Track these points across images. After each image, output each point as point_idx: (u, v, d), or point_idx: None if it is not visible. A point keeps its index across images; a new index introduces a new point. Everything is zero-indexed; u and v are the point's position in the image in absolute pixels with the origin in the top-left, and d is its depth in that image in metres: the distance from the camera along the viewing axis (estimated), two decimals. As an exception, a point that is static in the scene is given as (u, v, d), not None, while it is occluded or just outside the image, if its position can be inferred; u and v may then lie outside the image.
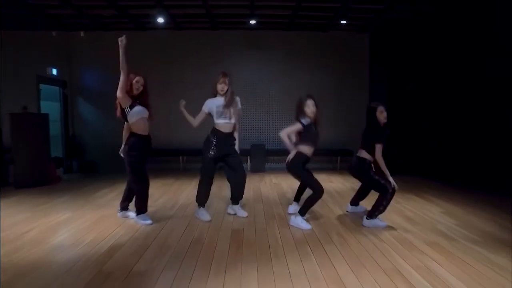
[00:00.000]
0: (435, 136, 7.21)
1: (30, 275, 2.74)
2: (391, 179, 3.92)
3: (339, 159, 8.42)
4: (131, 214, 4.21)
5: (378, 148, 3.96)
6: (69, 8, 6.68)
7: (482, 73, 5.91)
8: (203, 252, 3.17)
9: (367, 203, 4.39)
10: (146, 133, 4.00)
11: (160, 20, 7.31)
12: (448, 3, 6.27)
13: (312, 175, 4.07)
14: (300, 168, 4.01)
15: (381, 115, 4.03)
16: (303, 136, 4.00)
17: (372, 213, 3.92)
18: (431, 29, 7.19)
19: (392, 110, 7.66)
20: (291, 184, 6.23)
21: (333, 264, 2.93)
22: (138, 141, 3.90)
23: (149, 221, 3.99)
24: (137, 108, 3.89)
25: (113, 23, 7.91)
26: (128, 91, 3.88)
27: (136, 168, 3.92)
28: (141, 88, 3.97)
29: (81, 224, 4.02)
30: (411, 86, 7.59)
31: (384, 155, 4.06)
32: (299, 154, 3.95)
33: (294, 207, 4.45)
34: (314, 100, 3.99)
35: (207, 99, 4.24)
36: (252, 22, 7.60)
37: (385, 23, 7.64)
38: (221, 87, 4.08)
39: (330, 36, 8.51)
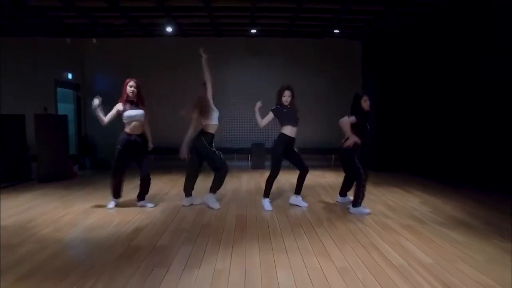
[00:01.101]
0: (422, 136, 7.82)
1: (74, 249, 3.36)
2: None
3: (333, 157, 9.04)
4: (149, 204, 4.82)
5: (347, 121, 4.65)
6: (85, 18, 7.28)
7: (467, 75, 6.46)
8: (212, 233, 3.79)
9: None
10: (134, 133, 4.59)
11: (169, 29, 7.91)
12: (436, 10, 6.85)
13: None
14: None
15: (365, 103, 4.64)
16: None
17: (356, 202, 4.55)
18: (421, 35, 7.80)
19: (382, 112, 8.38)
20: (288, 178, 6.84)
21: (321, 241, 3.55)
22: (124, 138, 4.58)
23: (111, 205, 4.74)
24: (128, 112, 4.53)
25: (123, 30, 8.51)
26: (124, 96, 4.51)
27: (116, 159, 4.61)
28: (135, 91, 4.52)
29: (105, 211, 4.64)
30: (401, 89, 8.20)
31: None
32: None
33: (295, 199, 5.00)
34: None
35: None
36: (253, 31, 8.22)
37: (376, 30, 8.26)
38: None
39: (325, 43, 9.13)
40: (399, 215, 4.47)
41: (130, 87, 4.53)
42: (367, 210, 4.56)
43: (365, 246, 3.41)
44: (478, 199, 5.26)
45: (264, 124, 4.77)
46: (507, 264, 2.95)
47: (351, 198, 4.93)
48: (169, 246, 3.38)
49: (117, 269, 2.87)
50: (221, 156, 4.85)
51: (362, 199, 4.56)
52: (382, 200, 5.33)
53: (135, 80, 4.60)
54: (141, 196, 4.89)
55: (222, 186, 4.97)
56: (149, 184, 4.85)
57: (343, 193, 5.19)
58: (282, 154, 4.74)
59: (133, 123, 4.55)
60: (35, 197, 5.41)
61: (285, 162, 4.91)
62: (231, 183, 6.56)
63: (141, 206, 4.83)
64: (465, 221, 4.22)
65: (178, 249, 3.31)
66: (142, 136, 4.70)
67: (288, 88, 4.69)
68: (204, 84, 4.79)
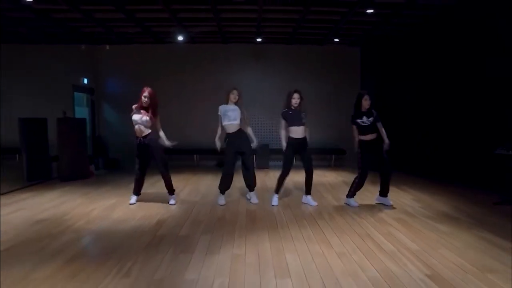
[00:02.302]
0: (419, 138, 8.31)
1: (106, 238, 3.86)
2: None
3: (333, 157, 9.54)
4: (171, 201, 5.34)
5: (353, 128, 5.19)
6: (102, 27, 7.79)
7: (461, 78, 6.94)
8: (227, 224, 4.29)
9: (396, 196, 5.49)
10: (139, 135, 5.10)
11: (180, 38, 8.42)
12: (430, 19, 7.33)
13: None
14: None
15: (365, 102, 5.14)
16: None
17: (349, 192, 5.17)
18: (416, 42, 8.29)
19: (379, 115, 8.81)
20: (291, 178, 7.32)
21: (322, 231, 4.05)
22: (135, 140, 5.16)
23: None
24: (133, 116, 5.06)
25: (135, 37, 9.02)
26: (139, 103, 5.03)
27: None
28: (148, 101, 5.01)
29: (128, 207, 5.14)
30: (397, 93, 8.70)
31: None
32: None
33: (305, 198, 5.40)
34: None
35: (219, 105, 5.37)
36: (259, 39, 8.74)
37: (373, 38, 8.76)
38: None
39: (326, 49, 9.64)
40: (392, 210, 4.97)
41: (144, 97, 5.00)
42: (355, 204, 5.16)
43: (361, 235, 3.91)
44: (465, 195, 5.76)
45: (283, 128, 5.18)
46: (482, 250, 3.45)
47: (391, 202, 5.20)
48: (190, 236, 3.89)
49: (148, 254, 3.37)
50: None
51: (352, 192, 5.18)
52: (378, 197, 5.82)
53: (149, 90, 5.06)
54: (168, 191, 5.40)
55: (232, 185, 5.48)
56: (167, 181, 5.35)
57: (382, 193, 5.30)
58: (290, 154, 5.17)
59: (136, 126, 5.05)
60: (61, 194, 5.91)
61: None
62: (238, 182, 7.04)
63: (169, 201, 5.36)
64: (451, 214, 4.71)
65: (199, 238, 3.81)
66: (151, 137, 5.14)
67: (296, 91, 5.11)
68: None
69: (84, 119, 7.78)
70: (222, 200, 5.32)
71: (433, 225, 4.28)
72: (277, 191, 5.33)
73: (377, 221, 4.44)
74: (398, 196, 5.89)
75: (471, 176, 6.53)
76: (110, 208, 5.07)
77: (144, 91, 5.06)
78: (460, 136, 6.87)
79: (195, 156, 9.44)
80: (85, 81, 8.97)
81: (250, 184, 5.44)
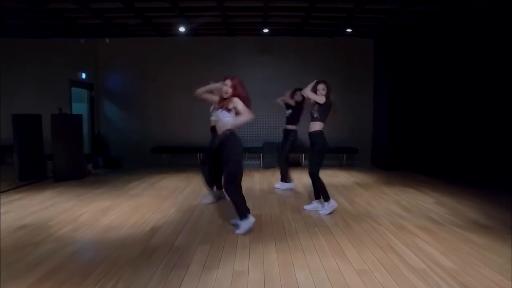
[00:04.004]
0: (435, 136, 7.75)
1: (93, 249, 3.41)
2: None
3: (345, 156, 9.00)
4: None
5: None
6: (100, 18, 7.36)
7: (481, 73, 6.41)
8: (229, 232, 3.81)
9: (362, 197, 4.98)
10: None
11: (182, 29, 7.96)
12: (449, 8, 6.76)
13: None
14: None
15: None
16: None
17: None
18: (433, 33, 7.73)
19: (394, 111, 8.32)
20: (300, 178, 6.84)
21: (338, 242, 3.55)
22: None
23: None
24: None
25: (135, 30, 8.57)
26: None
27: None
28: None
29: (122, 210, 4.70)
30: (412, 88, 8.12)
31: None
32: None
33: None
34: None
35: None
36: (265, 30, 8.23)
37: (388, 29, 8.18)
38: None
39: (337, 42, 9.08)
40: (414, 215, 4.45)
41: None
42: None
43: (382, 247, 3.40)
44: (493, 200, 5.20)
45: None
46: (528, 267, 2.92)
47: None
48: (186, 246, 3.42)
49: (136, 269, 2.91)
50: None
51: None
52: (396, 200, 5.30)
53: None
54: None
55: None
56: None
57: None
58: (311, 149, 4.64)
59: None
60: (53, 196, 5.50)
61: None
62: (244, 182, 6.57)
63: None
64: (482, 222, 4.18)
65: (196, 249, 3.34)
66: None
67: (319, 82, 4.55)
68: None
69: (80, 116, 7.35)
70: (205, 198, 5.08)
71: (464, 235, 3.75)
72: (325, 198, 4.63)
73: (398, 229, 3.92)
74: (418, 199, 5.36)
75: (496, 177, 5.96)
76: (102, 212, 4.63)
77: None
78: (483, 133, 6.30)
79: (198, 154, 8.98)
80: (83, 76, 8.55)
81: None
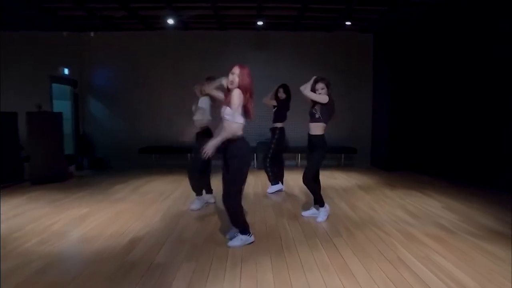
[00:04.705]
0: (437, 135, 7.39)
1: (59, 266, 2.95)
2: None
3: (343, 156, 8.61)
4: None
5: None
6: (82, 10, 6.87)
7: (486, 70, 6.06)
8: (218, 246, 3.37)
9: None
10: None
11: (170, 21, 7.50)
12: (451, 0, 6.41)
13: None
14: None
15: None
16: None
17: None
18: (435, 27, 7.36)
19: (394, 109, 7.94)
20: (296, 180, 6.42)
21: (341, 255, 3.13)
22: None
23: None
24: None
25: (122, 23, 8.09)
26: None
27: None
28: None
29: (100, 218, 4.24)
30: (414, 85, 7.76)
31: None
32: None
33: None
34: None
35: None
36: (260, 23, 7.79)
37: (388, 23, 7.79)
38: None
39: (335, 36, 8.67)
40: (423, 222, 4.05)
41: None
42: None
43: (392, 261, 3.00)
44: (500, 202, 4.86)
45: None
46: (562, 287, 2.53)
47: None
48: (168, 263, 2.97)
49: (108, 292, 2.47)
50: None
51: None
52: (401, 204, 4.91)
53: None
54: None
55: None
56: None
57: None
58: (308, 152, 4.27)
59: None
60: (26, 202, 5.01)
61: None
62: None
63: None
64: (499, 230, 3.79)
65: (179, 266, 2.90)
66: None
67: (318, 80, 4.10)
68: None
69: (60, 114, 6.85)
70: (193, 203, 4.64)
71: (479, 244, 3.36)
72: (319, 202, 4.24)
73: (407, 239, 3.52)
74: (424, 203, 4.96)
75: (497, 177, 5.63)
76: (79, 220, 4.17)
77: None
78: (486, 132, 5.95)
79: (189, 155, 8.52)
80: (66, 71, 8.04)
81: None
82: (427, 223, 4.01)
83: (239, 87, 3.15)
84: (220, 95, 3.41)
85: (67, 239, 3.50)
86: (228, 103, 3.17)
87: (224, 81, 3.32)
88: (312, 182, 4.12)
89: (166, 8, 6.90)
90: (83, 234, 3.66)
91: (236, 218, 3.30)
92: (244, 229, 3.33)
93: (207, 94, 4.35)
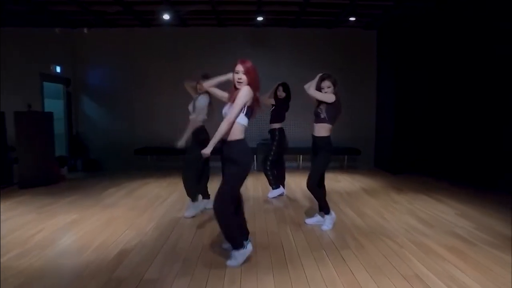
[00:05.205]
0: (443, 135, 7.11)
1: (39, 283, 2.65)
2: None
3: (346, 157, 8.32)
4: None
5: None
6: (74, 5, 6.56)
7: (494, 66, 5.79)
8: (215, 258, 3.08)
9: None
10: None
11: (166, 16, 7.19)
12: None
13: None
14: None
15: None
16: None
17: None
18: (442, 23, 7.07)
19: (399, 109, 7.65)
20: (298, 183, 6.13)
21: (350, 270, 2.84)
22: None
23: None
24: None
25: (117, 19, 7.78)
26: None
27: None
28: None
29: (89, 226, 3.93)
30: (420, 84, 7.46)
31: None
32: None
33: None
34: None
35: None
36: (259, 19, 7.49)
37: (392, 19, 7.49)
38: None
39: (337, 33, 8.37)
40: (437, 232, 3.75)
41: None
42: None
43: (407, 277, 2.70)
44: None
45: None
46: None
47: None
48: (160, 280, 2.67)
49: (89, 317, 2.17)
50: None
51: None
52: (410, 210, 4.61)
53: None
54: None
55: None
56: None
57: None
58: (311, 156, 4.00)
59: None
60: (11, 207, 4.69)
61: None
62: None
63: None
64: (521, 240, 3.49)
65: (172, 283, 2.61)
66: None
67: (324, 78, 3.77)
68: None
69: (51, 113, 6.54)
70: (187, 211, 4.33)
71: (502, 257, 3.07)
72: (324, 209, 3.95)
73: (422, 251, 3.22)
74: (435, 209, 4.66)
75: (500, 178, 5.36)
76: (65, 228, 3.87)
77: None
78: (500, 133, 5.65)
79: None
80: (58, 69, 7.72)
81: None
82: (442, 233, 3.71)
83: (248, 84, 2.84)
84: (221, 93, 3.09)
85: (50, 252, 3.19)
86: (232, 100, 2.85)
87: (226, 76, 3.01)
88: (316, 187, 3.83)
89: (163, 4, 6.59)
90: (68, 246, 3.36)
91: (227, 230, 2.90)
92: (237, 244, 2.91)
93: (206, 92, 4.10)
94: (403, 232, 3.74)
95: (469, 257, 3.08)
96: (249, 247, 2.95)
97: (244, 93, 2.78)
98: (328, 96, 3.70)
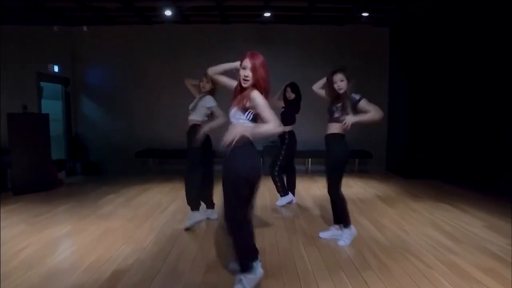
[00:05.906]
0: (460, 136, 6.72)
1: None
2: None
3: (357, 161, 7.95)
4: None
5: None
6: (72, 1, 6.25)
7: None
8: (221, 280, 2.73)
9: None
10: None
11: (168, 12, 6.86)
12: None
13: None
14: None
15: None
16: None
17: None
18: (457, 20, 6.68)
19: (413, 110, 7.27)
20: (307, 189, 5.77)
21: (375, 297, 2.48)
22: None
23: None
24: None
25: (118, 16, 7.47)
26: None
27: None
28: None
29: (82, 239, 3.60)
30: (435, 83, 7.07)
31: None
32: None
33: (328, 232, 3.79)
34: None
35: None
36: (267, 14, 7.13)
37: (405, 15, 7.10)
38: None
39: (347, 31, 8.00)
40: (466, 248, 3.37)
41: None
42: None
43: (442, 307, 2.34)
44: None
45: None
46: None
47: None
48: (158, 309, 2.34)
49: None
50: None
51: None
52: (432, 221, 4.23)
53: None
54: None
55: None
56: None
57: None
58: (327, 156, 3.66)
59: None
60: (3, 217, 4.37)
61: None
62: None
63: None
64: (562, 259, 3.11)
65: (171, 314, 2.26)
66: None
67: (337, 71, 3.47)
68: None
69: (47, 115, 6.23)
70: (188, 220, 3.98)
71: (548, 281, 2.69)
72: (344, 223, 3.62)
73: (454, 273, 2.85)
74: (459, 219, 4.28)
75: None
76: (56, 242, 3.54)
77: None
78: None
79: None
80: (56, 68, 7.41)
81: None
82: (472, 249, 3.33)
83: (254, 85, 2.46)
84: (228, 80, 2.74)
85: (35, 273, 2.84)
86: (237, 103, 2.46)
87: (233, 64, 2.69)
88: (340, 196, 3.51)
89: (164, -1, 6.27)
90: (56, 264, 3.02)
91: (240, 249, 2.52)
92: (246, 267, 2.51)
93: (209, 92, 3.92)
94: (429, 248, 3.37)
95: (506, 279, 2.71)
96: (259, 271, 2.58)
97: (262, 100, 2.40)
98: (375, 109, 3.36)
